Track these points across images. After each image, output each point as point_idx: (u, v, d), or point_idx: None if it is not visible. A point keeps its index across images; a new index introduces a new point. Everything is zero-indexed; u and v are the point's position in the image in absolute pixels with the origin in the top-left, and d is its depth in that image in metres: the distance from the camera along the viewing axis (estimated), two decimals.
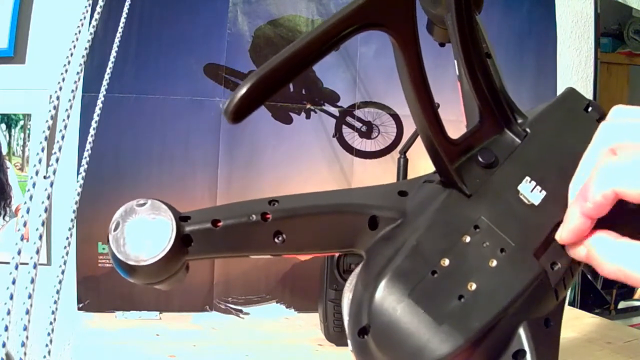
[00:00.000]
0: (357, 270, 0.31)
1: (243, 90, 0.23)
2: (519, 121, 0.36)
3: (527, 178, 0.32)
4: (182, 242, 0.29)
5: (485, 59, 0.34)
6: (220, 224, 0.29)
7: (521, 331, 0.28)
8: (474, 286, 0.28)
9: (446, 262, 0.28)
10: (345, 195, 0.33)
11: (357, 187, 0.34)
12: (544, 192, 0.32)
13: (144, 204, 0.29)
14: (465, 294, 0.27)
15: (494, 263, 0.29)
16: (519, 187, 0.32)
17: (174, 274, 0.29)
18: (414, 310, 0.27)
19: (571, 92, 0.38)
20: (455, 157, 0.32)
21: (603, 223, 0.29)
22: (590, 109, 0.37)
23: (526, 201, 0.32)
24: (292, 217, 0.30)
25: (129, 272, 0.28)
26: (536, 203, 0.32)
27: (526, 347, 0.27)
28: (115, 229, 0.28)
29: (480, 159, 0.32)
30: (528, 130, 0.35)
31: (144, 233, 0.28)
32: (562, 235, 0.30)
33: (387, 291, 0.27)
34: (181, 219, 0.29)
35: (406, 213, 0.31)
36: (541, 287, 0.29)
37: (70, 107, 0.51)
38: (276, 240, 0.30)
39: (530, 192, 0.32)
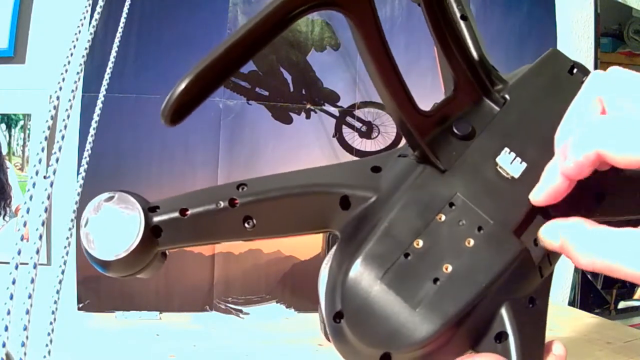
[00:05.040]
0: (333, 250, 0.30)
1: (182, 87, 0.21)
2: (498, 87, 0.33)
3: (506, 149, 0.30)
4: (152, 233, 0.28)
5: (456, 22, 0.31)
6: (188, 212, 0.28)
7: (503, 312, 0.27)
8: (449, 268, 0.26)
9: (420, 243, 0.27)
10: (316, 174, 0.31)
11: (330, 164, 0.32)
12: (524, 164, 0.30)
13: (111, 198, 0.29)
14: (440, 277, 0.26)
15: (471, 242, 0.27)
16: (498, 159, 0.30)
17: (149, 264, 0.29)
18: (386, 294, 0.26)
19: (554, 54, 0.35)
20: (428, 129, 0.30)
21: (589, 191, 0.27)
22: (575, 70, 0.34)
23: (505, 174, 0.29)
24: (260, 201, 0.29)
25: (102, 266, 0.28)
26: (516, 176, 0.29)
27: (508, 329, 0.26)
28: (85, 225, 0.28)
29: (455, 131, 0.30)
30: (507, 97, 0.32)
31: (112, 227, 0.28)
32: (536, 195, 0.28)
33: (358, 275, 0.26)
34: (150, 210, 0.28)
35: (379, 191, 0.29)
36: (523, 266, 0.27)
37: (70, 107, 0.51)
38: (246, 225, 0.29)
39: (510, 164, 0.30)
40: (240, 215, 0.29)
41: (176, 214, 0.28)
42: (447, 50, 0.31)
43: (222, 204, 0.29)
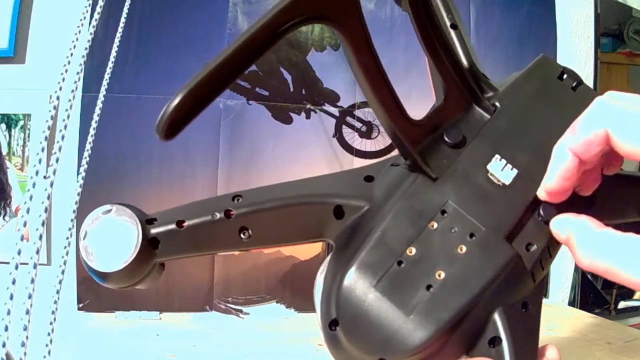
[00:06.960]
0: (328, 258, 0.30)
1: (175, 102, 0.22)
2: (489, 95, 0.33)
3: (497, 156, 0.30)
4: (150, 244, 0.29)
5: (445, 32, 0.31)
6: (184, 224, 0.29)
7: (496, 317, 0.27)
8: (442, 275, 0.27)
9: (413, 251, 0.27)
10: (310, 185, 0.32)
11: (324, 174, 0.32)
12: (515, 170, 0.30)
13: (109, 211, 0.29)
14: (433, 284, 0.26)
15: (463, 249, 0.27)
16: (488, 167, 0.30)
17: (147, 275, 0.29)
18: (380, 302, 0.26)
19: (543, 60, 0.35)
20: (419, 138, 0.30)
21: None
22: (565, 76, 0.34)
23: (496, 181, 0.30)
24: (255, 212, 0.30)
25: (101, 278, 0.29)
26: (507, 182, 0.30)
27: (501, 334, 0.26)
28: (84, 238, 0.29)
29: (446, 139, 0.31)
30: (497, 104, 0.33)
31: (111, 240, 0.28)
32: (548, 180, 0.28)
33: (353, 283, 0.27)
34: (147, 222, 0.29)
35: (372, 200, 0.30)
36: (515, 271, 0.28)
37: (70, 107, 0.51)
38: (242, 236, 0.30)
39: (501, 170, 0.30)
40: (235, 226, 0.29)
41: (173, 226, 0.29)
42: (436, 59, 0.31)
43: (217, 216, 0.29)
